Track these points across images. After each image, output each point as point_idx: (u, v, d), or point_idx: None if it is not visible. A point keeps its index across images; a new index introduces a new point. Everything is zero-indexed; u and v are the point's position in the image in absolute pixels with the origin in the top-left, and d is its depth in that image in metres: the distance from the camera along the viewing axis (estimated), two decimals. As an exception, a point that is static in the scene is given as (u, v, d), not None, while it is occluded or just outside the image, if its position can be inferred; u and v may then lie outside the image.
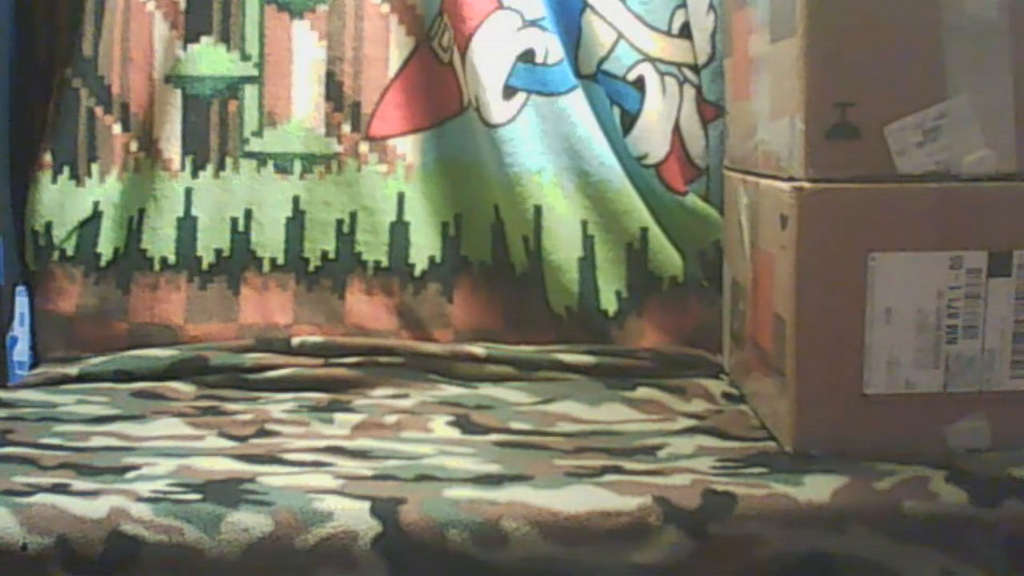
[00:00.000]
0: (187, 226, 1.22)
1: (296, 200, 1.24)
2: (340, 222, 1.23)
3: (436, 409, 1.06)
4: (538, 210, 1.20)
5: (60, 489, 0.82)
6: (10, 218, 1.20)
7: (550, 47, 1.21)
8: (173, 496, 0.81)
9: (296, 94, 1.24)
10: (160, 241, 1.22)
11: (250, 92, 1.23)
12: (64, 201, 1.22)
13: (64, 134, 1.22)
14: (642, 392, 1.10)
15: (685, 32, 1.23)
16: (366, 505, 0.80)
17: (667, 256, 1.22)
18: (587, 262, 1.21)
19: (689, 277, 1.22)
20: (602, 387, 1.12)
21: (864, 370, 0.88)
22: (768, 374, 0.96)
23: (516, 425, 1.01)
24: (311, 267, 1.24)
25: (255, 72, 1.23)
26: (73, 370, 1.14)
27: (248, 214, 1.23)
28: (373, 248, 1.23)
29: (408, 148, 1.24)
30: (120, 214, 1.24)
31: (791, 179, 0.89)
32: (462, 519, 0.79)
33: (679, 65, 1.23)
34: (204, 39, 1.23)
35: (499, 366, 1.16)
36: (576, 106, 1.21)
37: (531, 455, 0.93)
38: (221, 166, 1.24)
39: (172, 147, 1.23)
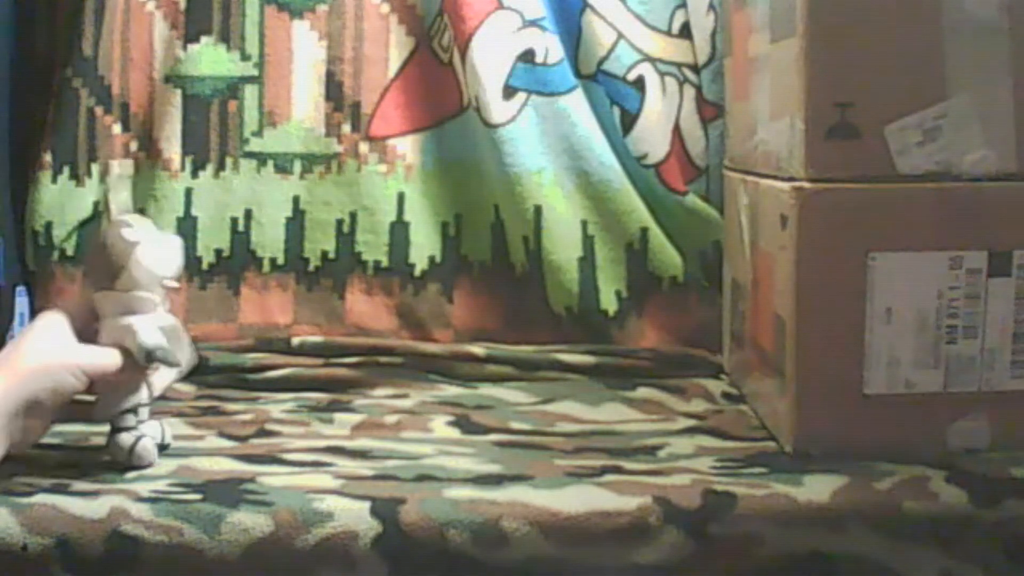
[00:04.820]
0: (187, 226, 1.22)
1: (296, 200, 1.24)
2: (340, 222, 1.23)
3: (436, 409, 1.06)
4: (538, 210, 1.20)
5: (60, 489, 0.82)
6: (10, 218, 1.21)
7: (550, 47, 1.21)
8: (173, 496, 0.81)
9: (296, 94, 1.24)
10: (160, 241, 1.22)
11: (250, 92, 1.23)
12: (64, 201, 1.22)
13: (64, 134, 1.22)
14: (642, 392, 1.10)
15: (685, 32, 1.23)
16: (366, 505, 0.80)
17: (667, 256, 1.22)
18: (587, 262, 1.21)
19: (689, 277, 1.22)
20: (602, 387, 1.12)
21: (864, 370, 0.88)
22: (768, 374, 0.96)
23: (516, 425, 1.01)
24: (311, 267, 1.24)
25: (255, 72, 1.24)
26: (73, 370, 1.14)
27: (248, 214, 1.23)
28: (373, 248, 1.23)
29: (408, 148, 1.24)
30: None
31: (791, 179, 0.89)
32: (462, 519, 0.79)
33: (679, 65, 1.23)
34: (204, 39, 1.23)
35: (499, 366, 1.16)
36: (576, 106, 1.21)
37: (531, 455, 0.93)
38: (221, 166, 1.24)
39: (172, 147, 1.23)
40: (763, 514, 0.80)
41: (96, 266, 0.88)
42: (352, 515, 0.79)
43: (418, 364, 1.17)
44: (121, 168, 0.88)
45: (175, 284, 0.89)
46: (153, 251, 0.88)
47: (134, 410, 0.89)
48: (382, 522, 0.79)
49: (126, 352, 0.86)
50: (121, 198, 0.89)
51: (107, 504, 0.80)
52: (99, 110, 1.23)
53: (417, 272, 1.23)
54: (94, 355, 0.85)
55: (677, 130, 1.24)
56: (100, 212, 1.23)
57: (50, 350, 0.84)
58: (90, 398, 0.87)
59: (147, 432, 0.90)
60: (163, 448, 0.92)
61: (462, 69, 1.21)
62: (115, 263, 0.87)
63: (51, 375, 0.82)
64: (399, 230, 1.23)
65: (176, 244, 0.90)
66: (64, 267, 1.22)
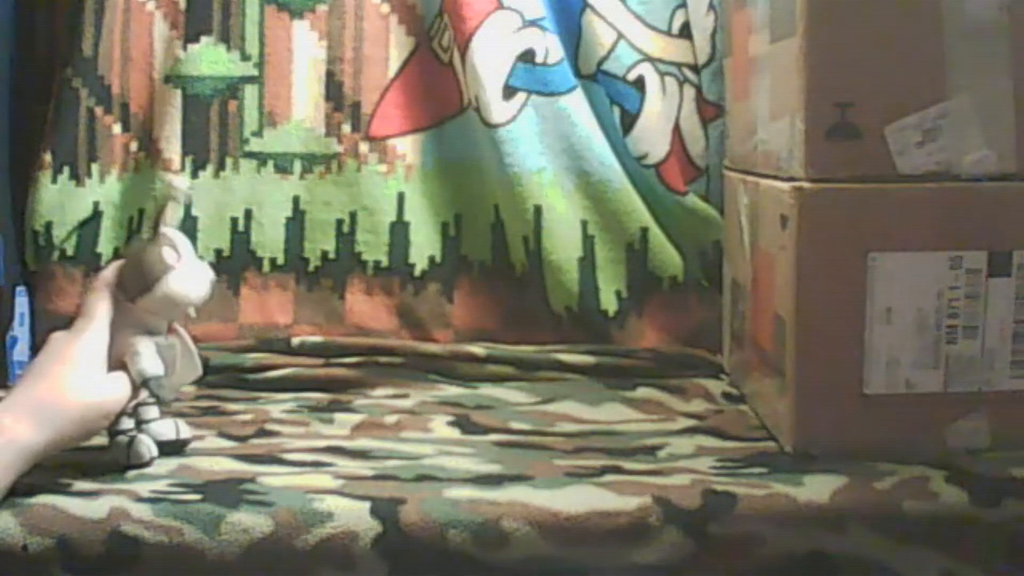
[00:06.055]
0: (187, 226, 1.21)
1: (296, 200, 1.24)
2: (340, 222, 1.23)
3: (436, 409, 1.06)
4: (538, 210, 1.20)
5: (60, 489, 0.82)
6: (10, 218, 1.20)
7: (550, 47, 1.21)
8: (173, 496, 0.81)
9: (296, 94, 1.24)
10: (160, 241, 1.22)
11: (250, 92, 1.23)
12: (64, 201, 1.22)
13: (64, 134, 1.22)
14: (642, 392, 1.10)
15: (685, 32, 1.23)
16: (366, 505, 0.80)
17: (667, 256, 1.22)
18: (587, 262, 1.21)
19: (689, 277, 1.22)
20: (602, 387, 1.12)
21: (864, 370, 0.88)
22: (768, 374, 0.96)
23: (516, 425, 1.01)
24: (311, 267, 1.24)
25: (255, 72, 1.24)
26: (73, 370, 1.14)
27: (248, 214, 1.23)
28: (373, 248, 1.23)
29: (408, 148, 1.24)
30: (120, 214, 1.24)
31: (791, 179, 0.89)
32: (462, 519, 0.79)
33: (679, 65, 1.23)
34: (204, 39, 1.23)
35: (499, 366, 1.16)
36: (576, 106, 1.21)
37: (531, 455, 0.93)
38: (221, 166, 1.24)
39: (172, 147, 1.23)
40: (763, 514, 0.80)
41: (127, 275, 0.87)
42: (352, 515, 0.79)
43: (418, 364, 1.17)
44: (180, 183, 0.88)
45: (195, 314, 0.90)
46: (183, 280, 0.87)
47: (129, 413, 0.89)
48: (382, 522, 0.79)
49: (125, 367, 0.86)
50: (177, 213, 0.89)
51: (107, 504, 0.80)
52: (99, 110, 1.23)
53: (417, 272, 1.23)
54: (119, 393, 0.85)
55: (677, 130, 1.23)
56: (100, 212, 1.23)
57: (91, 400, 0.83)
58: None
59: (161, 431, 0.91)
60: (184, 443, 0.92)
61: (462, 69, 1.21)
62: (145, 281, 0.86)
63: (90, 423, 0.84)
64: (399, 230, 1.23)
65: (207, 274, 0.90)
66: (64, 267, 1.22)
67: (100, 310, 0.86)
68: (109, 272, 0.88)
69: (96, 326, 0.85)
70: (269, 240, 1.23)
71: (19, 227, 1.21)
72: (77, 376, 0.83)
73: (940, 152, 0.87)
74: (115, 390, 0.85)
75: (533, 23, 1.21)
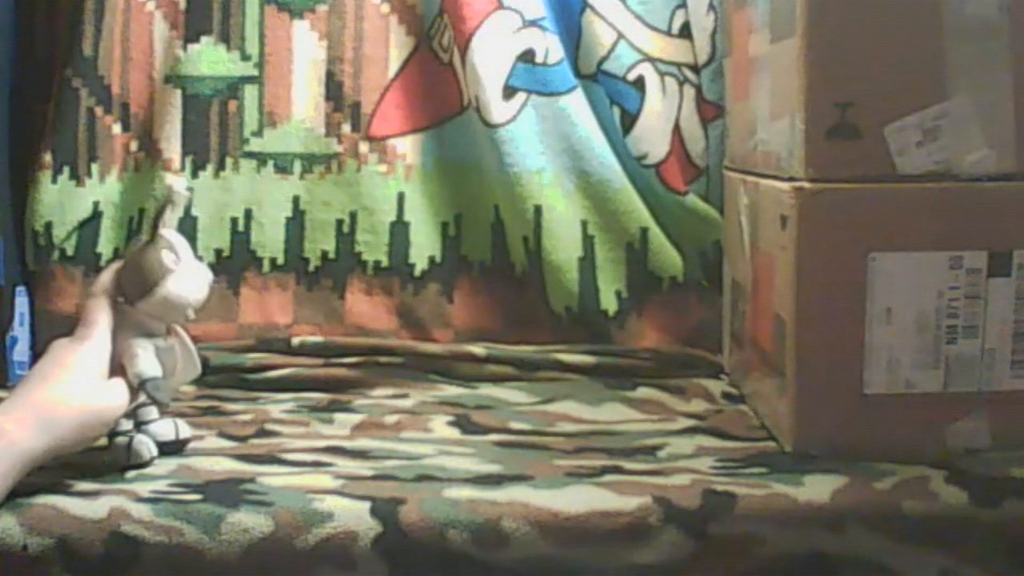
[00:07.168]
0: (187, 226, 1.21)
1: (296, 200, 1.24)
2: (340, 222, 1.23)
3: (436, 409, 1.06)
4: (538, 210, 1.20)
5: (60, 489, 0.82)
6: (10, 218, 1.20)
7: (550, 47, 1.21)
8: (173, 496, 0.81)
9: (296, 94, 1.24)
10: (160, 241, 1.22)
11: (250, 92, 1.23)
12: (64, 201, 1.22)
13: (64, 134, 1.22)
14: (642, 392, 1.10)
15: (685, 32, 1.23)
16: (366, 505, 0.80)
17: (667, 256, 1.22)
18: (587, 262, 1.21)
19: (689, 277, 1.22)
20: (602, 387, 1.12)
21: (864, 370, 0.88)
22: (768, 374, 0.96)
23: (516, 425, 1.01)
24: (311, 267, 1.24)
25: (255, 72, 1.24)
26: (73, 370, 1.14)
27: (248, 214, 1.23)
28: (373, 248, 1.23)
29: (408, 148, 1.24)
30: (120, 214, 1.24)
31: (791, 179, 0.89)
32: (462, 519, 0.79)
33: (679, 65, 1.23)
34: (204, 39, 1.23)
35: (499, 366, 1.16)
36: (576, 106, 1.21)
37: (531, 455, 0.93)
38: (221, 166, 1.24)
39: (172, 147, 1.23)
40: (763, 514, 0.80)
41: (126, 278, 0.88)
42: (352, 515, 0.79)
43: (418, 364, 1.17)
44: (179, 186, 0.89)
45: (193, 316, 0.90)
46: (183, 283, 0.87)
47: (128, 414, 0.89)
48: (382, 522, 0.79)
49: (124, 370, 0.86)
50: (175, 215, 0.89)
51: (107, 504, 0.80)
52: (99, 110, 1.23)
53: (417, 272, 1.23)
54: (118, 400, 0.85)
55: (677, 130, 1.23)
56: (100, 212, 1.23)
57: (91, 407, 0.83)
58: None
59: (159, 431, 0.91)
60: (183, 443, 0.92)
61: (462, 69, 1.21)
62: (145, 284, 0.87)
63: (89, 430, 0.84)
64: (399, 230, 1.23)
65: (206, 276, 0.90)
66: (64, 267, 1.22)
67: (100, 316, 0.86)
68: (107, 276, 0.88)
69: (97, 333, 0.85)
70: (269, 240, 1.23)
71: (19, 227, 1.21)
72: (77, 383, 0.83)
73: (940, 152, 0.87)
74: (115, 397, 0.85)
75: (533, 23, 1.21)
